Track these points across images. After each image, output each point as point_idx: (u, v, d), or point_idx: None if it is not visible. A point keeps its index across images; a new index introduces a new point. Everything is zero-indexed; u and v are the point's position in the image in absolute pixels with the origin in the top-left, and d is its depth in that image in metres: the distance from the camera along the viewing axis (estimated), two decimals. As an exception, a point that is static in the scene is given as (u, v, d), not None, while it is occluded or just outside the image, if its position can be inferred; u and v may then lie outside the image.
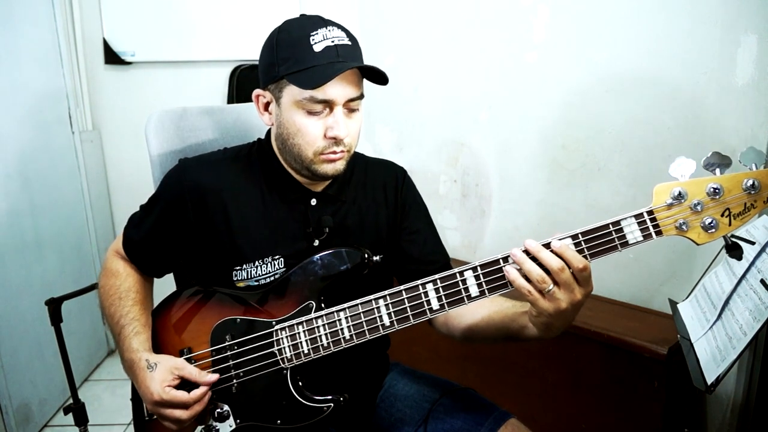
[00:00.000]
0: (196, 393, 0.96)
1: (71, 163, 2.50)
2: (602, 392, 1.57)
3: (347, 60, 0.98)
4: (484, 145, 2.10)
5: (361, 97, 1.02)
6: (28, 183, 2.18)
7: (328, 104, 0.98)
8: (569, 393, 1.64)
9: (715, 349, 0.85)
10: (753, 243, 0.87)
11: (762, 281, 0.81)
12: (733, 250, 0.83)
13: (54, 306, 1.51)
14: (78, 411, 1.60)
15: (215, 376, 0.99)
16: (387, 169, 1.22)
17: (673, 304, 1.04)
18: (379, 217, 1.15)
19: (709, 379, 0.81)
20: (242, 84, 2.57)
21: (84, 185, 2.56)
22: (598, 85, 1.74)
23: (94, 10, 2.55)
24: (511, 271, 0.86)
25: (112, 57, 2.59)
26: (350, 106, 1.01)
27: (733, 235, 0.86)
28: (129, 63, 2.61)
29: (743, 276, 0.87)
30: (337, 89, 0.97)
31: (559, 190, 1.90)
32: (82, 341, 2.39)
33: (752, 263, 0.86)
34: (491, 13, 1.99)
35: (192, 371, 0.98)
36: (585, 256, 0.86)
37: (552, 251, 0.84)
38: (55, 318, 1.51)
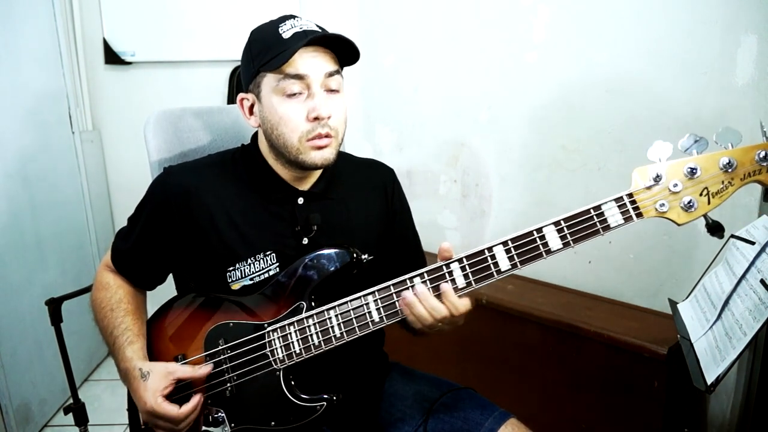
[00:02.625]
0: (186, 408, 0.97)
1: (71, 163, 2.49)
2: (602, 392, 1.57)
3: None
4: (484, 145, 2.10)
5: (338, 72, 1.02)
6: (28, 183, 2.18)
7: (304, 82, 0.98)
8: (569, 393, 1.64)
9: (715, 349, 0.85)
10: (753, 243, 0.87)
11: (762, 281, 0.81)
12: (715, 230, 0.86)
13: (54, 306, 1.51)
14: (78, 411, 1.60)
15: (209, 367, 1.00)
16: (377, 171, 1.22)
17: (673, 304, 1.04)
18: (370, 219, 1.16)
19: (709, 379, 0.81)
20: (241, 84, 2.57)
21: (84, 185, 2.56)
22: (598, 85, 1.74)
23: (94, 10, 2.55)
24: (405, 310, 0.94)
25: (112, 57, 2.59)
26: (329, 85, 1.00)
27: (733, 235, 0.86)
28: (129, 63, 2.61)
29: (743, 276, 0.87)
30: (309, 64, 0.97)
31: (559, 190, 1.90)
32: (82, 341, 2.38)
33: (752, 263, 0.86)
34: (491, 13, 1.99)
35: (185, 370, 0.99)
36: (568, 242, 0.90)
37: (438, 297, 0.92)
38: (55, 318, 1.51)
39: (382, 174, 1.21)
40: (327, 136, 1.00)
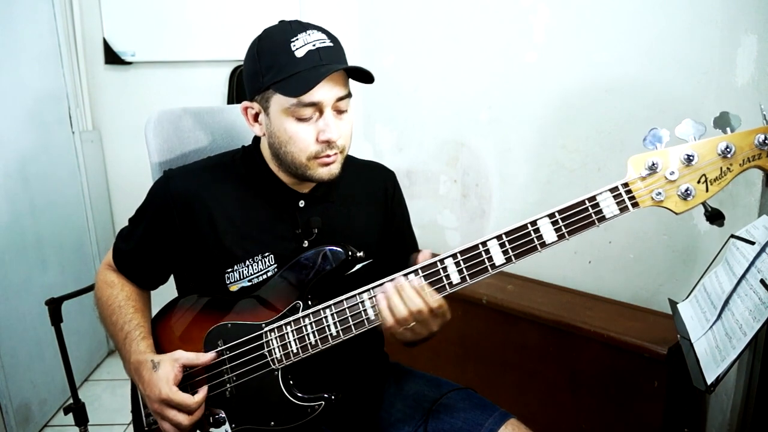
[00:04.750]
0: (199, 396, 0.98)
1: (71, 163, 2.49)
2: (602, 392, 1.56)
3: (330, 62, 0.97)
4: (484, 145, 2.10)
5: (348, 95, 1.01)
6: (28, 183, 2.18)
7: (317, 107, 0.98)
8: (569, 393, 1.64)
9: (714, 349, 0.85)
10: (753, 243, 0.87)
11: (762, 281, 0.81)
12: (714, 218, 0.82)
13: (54, 306, 1.51)
14: (78, 411, 1.60)
15: (211, 354, 1.02)
16: (378, 174, 1.23)
17: (673, 304, 1.04)
18: (370, 221, 1.16)
19: (709, 379, 0.81)
20: (242, 84, 2.57)
21: (84, 185, 2.56)
22: (598, 85, 1.74)
23: (94, 10, 2.55)
24: (381, 301, 0.92)
25: (112, 57, 2.59)
26: (339, 107, 1.00)
27: (733, 235, 0.86)
28: (129, 63, 2.61)
29: (743, 276, 0.87)
30: (324, 91, 0.97)
31: (558, 190, 1.90)
32: (82, 341, 2.39)
33: (752, 263, 0.86)
34: (491, 13, 1.98)
35: (189, 356, 1.01)
36: (563, 234, 0.88)
37: (414, 288, 0.90)
38: (55, 318, 1.51)
39: (383, 176, 1.22)
40: (334, 155, 1.01)
